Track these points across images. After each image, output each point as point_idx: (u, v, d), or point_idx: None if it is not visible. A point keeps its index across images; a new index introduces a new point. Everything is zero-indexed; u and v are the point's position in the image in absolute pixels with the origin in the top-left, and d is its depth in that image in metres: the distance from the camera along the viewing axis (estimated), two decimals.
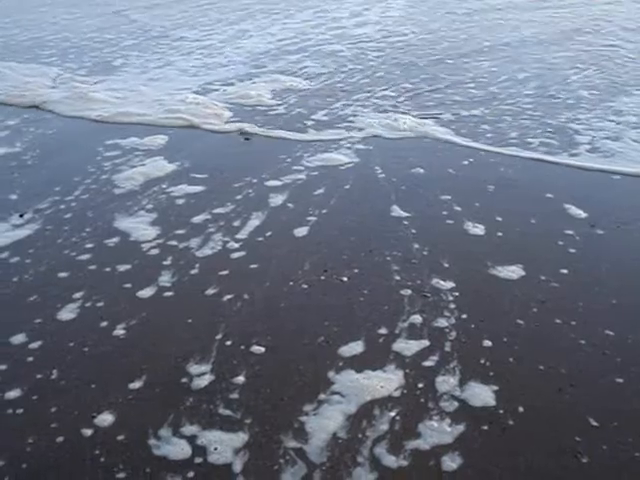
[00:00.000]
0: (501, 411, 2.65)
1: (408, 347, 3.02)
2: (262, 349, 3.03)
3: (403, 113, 6.13)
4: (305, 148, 5.43)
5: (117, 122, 6.31)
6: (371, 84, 7.13)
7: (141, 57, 8.78)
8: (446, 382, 2.80)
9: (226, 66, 8.14)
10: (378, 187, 4.67)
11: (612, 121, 5.83)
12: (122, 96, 7.04)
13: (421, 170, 4.91)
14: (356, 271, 3.63)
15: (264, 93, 6.90)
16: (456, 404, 2.68)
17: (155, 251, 3.89)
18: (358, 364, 2.92)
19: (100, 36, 10.11)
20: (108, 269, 3.71)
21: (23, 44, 9.84)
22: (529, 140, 5.44)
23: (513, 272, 3.58)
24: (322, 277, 3.58)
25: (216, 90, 7.15)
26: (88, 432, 2.59)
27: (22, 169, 5.24)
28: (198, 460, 2.46)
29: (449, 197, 4.46)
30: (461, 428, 2.57)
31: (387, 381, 2.81)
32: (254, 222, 4.19)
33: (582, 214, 4.21)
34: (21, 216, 4.32)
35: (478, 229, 4.05)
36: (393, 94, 6.76)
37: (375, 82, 7.19)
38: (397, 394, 2.75)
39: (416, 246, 3.84)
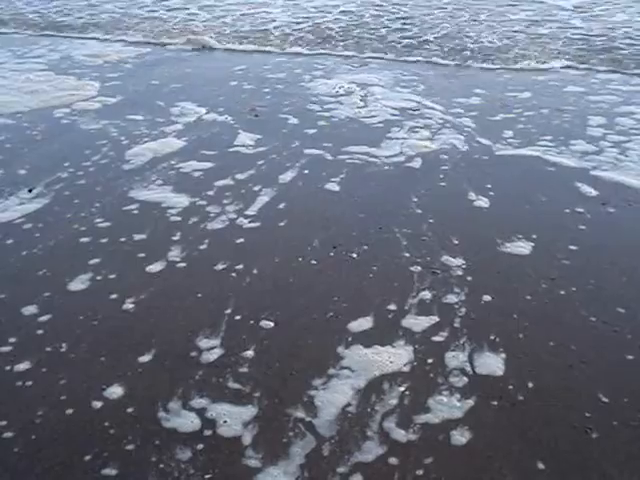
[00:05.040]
0: (511, 387, 2.64)
1: (417, 323, 3.01)
2: (271, 324, 3.03)
3: None
4: None
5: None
6: None
7: None
8: (455, 357, 2.80)
9: None
10: None
11: None
12: None
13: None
14: (365, 248, 3.62)
15: None
16: (465, 379, 2.68)
17: (166, 224, 3.90)
18: (367, 339, 2.91)
19: None
20: (117, 243, 3.71)
21: None
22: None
23: (523, 248, 3.56)
24: (331, 253, 3.57)
25: None
26: (98, 404, 2.60)
27: None
28: (207, 432, 2.46)
29: (459, 173, 4.44)
30: (471, 403, 2.56)
31: (396, 356, 2.81)
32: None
33: (593, 192, 4.18)
34: (30, 191, 4.31)
35: (487, 205, 4.03)
36: None
37: None
38: (406, 369, 2.74)
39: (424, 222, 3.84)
